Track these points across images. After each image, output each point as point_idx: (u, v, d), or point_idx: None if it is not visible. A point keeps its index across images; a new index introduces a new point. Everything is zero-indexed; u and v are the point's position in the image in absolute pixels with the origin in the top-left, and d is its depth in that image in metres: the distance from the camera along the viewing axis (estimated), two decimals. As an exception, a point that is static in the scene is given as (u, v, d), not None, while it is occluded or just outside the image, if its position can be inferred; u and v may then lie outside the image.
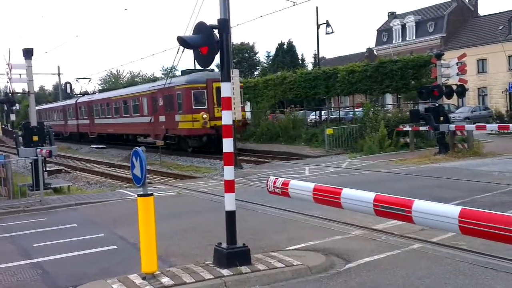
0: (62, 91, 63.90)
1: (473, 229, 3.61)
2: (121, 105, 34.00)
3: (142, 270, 5.66)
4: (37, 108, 58.97)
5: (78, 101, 44.10)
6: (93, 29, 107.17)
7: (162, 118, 27.59)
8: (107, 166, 24.91)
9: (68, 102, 48.37)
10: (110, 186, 17.92)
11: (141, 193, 5.68)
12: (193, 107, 24.73)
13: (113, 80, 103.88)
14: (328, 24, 30.61)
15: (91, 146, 39.06)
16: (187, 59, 72.38)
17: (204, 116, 24.17)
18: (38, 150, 13.35)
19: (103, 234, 8.58)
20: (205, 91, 24.79)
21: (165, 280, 5.54)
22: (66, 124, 47.26)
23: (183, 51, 16.79)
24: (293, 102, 34.58)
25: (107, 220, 9.93)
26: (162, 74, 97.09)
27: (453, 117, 29.71)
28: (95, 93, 47.37)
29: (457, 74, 18.42)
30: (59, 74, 62.24)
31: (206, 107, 24.70)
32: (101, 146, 37.75)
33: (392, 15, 63.93)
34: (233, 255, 5.92)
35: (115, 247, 7.68)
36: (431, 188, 11.61)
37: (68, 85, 55.97)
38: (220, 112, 6.04)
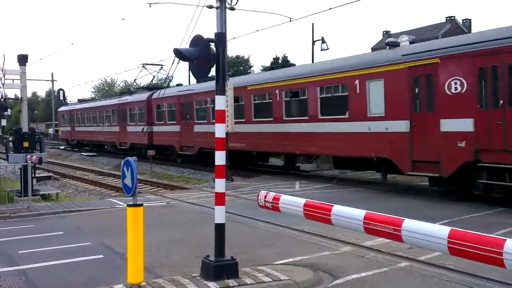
0: (54, 98, 63.67)
1: (462, 250, 3.63)
2: (281, 99, 18.39)
3: (128, 280, 5.60)
4: (66, 108, 46.38)
5: (153, 98, 28.83)
6: (89, 37, 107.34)
7: (448, 125, 12.26)
8: (96, 174, 24.77)
9: (129, 99, 32.49)
10: (99, 195, 17.82)
11: (131, 203, 5.64)
12: None
13: (107, 88, 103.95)
14: (323, 41, 30.85)
15: (82, 153, 38.85)
16: (181, 70, 72.61)
17: None
18: (28, 156, 13.25)
19: (90, 243, 8.50)
20: None
21: (151, 292, 5.48)
22: (124, 132, 32.28)
23: (178, 62, 16.80)
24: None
25: (94, 228, 9.84)
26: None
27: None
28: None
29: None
30: (52, 80, 62.13)
31: None
32: (92, 154, 37.56)
33: (387, 34, 64.61)
34: (221, 268, 5.88)
35: (101, 256, 7.61)
36: (420, 206, 11.64)
37: (61, 92, 55.83)
38: None
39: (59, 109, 51.44)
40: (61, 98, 56.82)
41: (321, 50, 31.20)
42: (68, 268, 7.00)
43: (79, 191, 19.30)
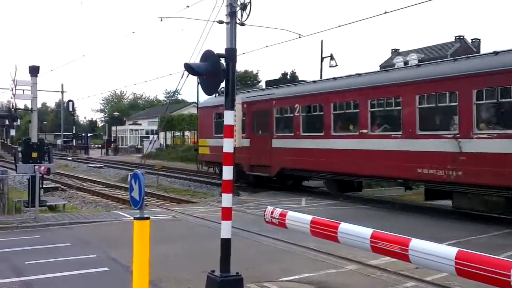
0: (64, 109, 64.29)
1: (469, 272, 3.60)
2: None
3: (133, 294, 5.59)
4: (248, 96, 20.85)
5: None
6: (100, 50, 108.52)
7: None
8: (103, 186, 24.83)
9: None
10: (105, 206, 17.85)
11: (138, 216, 5.65)
12: None
13: (116, 100, 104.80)
14: (332, 57, 31.00)
15: (89, 165, 39.04)
16: (190, 84, 72.88)
17: None
18: (36, 167, 13.33)
19: (95, 255, 8.51)
20: None
21: (156, 306, 5.47)
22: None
23: (187, 76, 16.85)
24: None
25: (100, 241, 9.86)
26: (165, 97, 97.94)
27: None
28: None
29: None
30: (62, 92, 62.74)
31: None
32: (99, 166, 37.73)
33: (395, 52, 64.73)
34: (226, 284, 5.86)
35: (106, 268, 7.61)
36: (428, 226, 11.55)
37: (70, 103, 56.37)
38: None
39: (205, 102, 24.47)
40: (70, 109, 57.41)
41: (330, 66, 31.36)
42: (73, 280, 7.01)
43: (86, 202, 19.34)
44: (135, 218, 5.65)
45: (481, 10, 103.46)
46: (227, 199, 6.13)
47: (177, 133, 50.93)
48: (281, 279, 6.89)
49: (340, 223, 5.14)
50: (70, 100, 57.41)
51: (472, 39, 59.91)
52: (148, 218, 5.65)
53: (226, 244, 6.07)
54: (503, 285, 3.40)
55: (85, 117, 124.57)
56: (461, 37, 58.64)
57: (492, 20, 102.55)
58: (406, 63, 60.67)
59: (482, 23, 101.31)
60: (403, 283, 6.81)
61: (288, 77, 74.08)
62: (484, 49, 57.78)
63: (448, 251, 3.82)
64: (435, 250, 3.91)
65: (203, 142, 23.83)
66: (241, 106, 19.41)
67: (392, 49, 66.29)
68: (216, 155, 21.04)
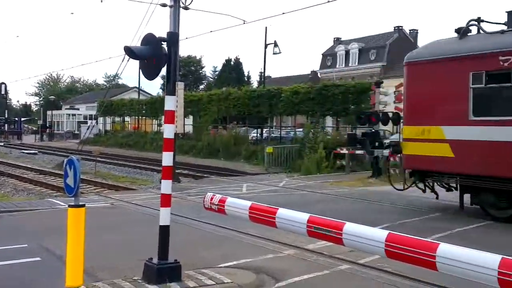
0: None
1: (398, 253, 3.76)
2: None
3: (66, 284, 5.41)
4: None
5: None
6: (36, 31, 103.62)
7: None
8: (37, 172, 23.86)
9: None
10: (38, 194, 17.19)
11: (73, 203, 5.47)
12: None
13: (52, 83, 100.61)
14: (275, 45, 31.25)
15: (22, 151, 37.38)
16: (131, 68, 70.93)
17: None
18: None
19: (26, 245, 8.16)
20: None
21: (91, 295, 5.34)
22: None
23: (128, 60, 16.44)
24: (236, 118, 34.80)
25: (32, 229, 9.48)
26: (105, 81, 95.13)
27: (387, 143, 30.36)
28: None
29: (394, 102, 19.29)
30: (-7, 73, 59.38)
31: None
32: (33, 152, 36.22)
33: (337, 41, 66.04)
34: (164, 271, 5.81)
35: (39, 258, 7.33)
36: (363, 210, 11.96)
37: (2, 86, 53.55)
38: None
39: (433, 50, 11.37)
40: (2, 92, 54.58)
41: (274, 53, 31.65)
42: (2, 271, 6.70)
43: (17, 190, 18.52)
44: (70, 206, 5.47)
45: (418, 1, 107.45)
46: (166, 186, 6.05)
47: (117, 119, 49.55)
48: (219, 265, 6.91)
49: (278, 209, 5.22)
50: (2, 83, 54.48)
51: (410, 30, 62.09)
52: (83, 205, 5.49)
53: (164, 231, 6.01)
54: (429, 265, 3.58)
55: (18, 101, 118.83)
56: (400, 28, 60.63)
57: (429, 12, 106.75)
58: (347, 51, 62.06)
59: (420, 14, 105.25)
60: (338, 266, 7.01)
61: (232, 63, 73.94)
62: (421, 40, 60.07)
63: (379, 234, 3.97)
64: (367, 233, 4.06)
65: (428, 133, 11.33)
66: (457, 65, 10.41)
67: (334, 38, 67.55)
68: (480, 161, 10.36)
